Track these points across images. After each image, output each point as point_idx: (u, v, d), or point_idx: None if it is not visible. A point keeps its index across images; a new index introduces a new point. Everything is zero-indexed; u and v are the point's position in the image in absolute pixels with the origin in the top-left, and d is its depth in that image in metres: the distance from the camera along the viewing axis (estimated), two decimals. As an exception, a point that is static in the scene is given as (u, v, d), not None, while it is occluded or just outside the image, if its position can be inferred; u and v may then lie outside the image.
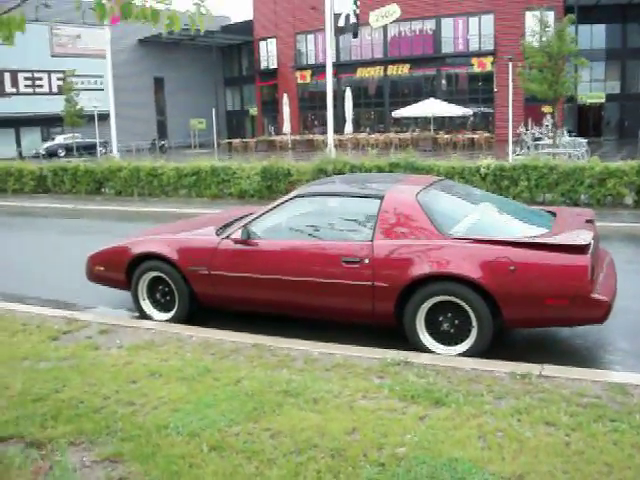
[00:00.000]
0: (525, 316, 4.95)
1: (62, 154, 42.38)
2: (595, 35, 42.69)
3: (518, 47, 41.49)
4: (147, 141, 49.43)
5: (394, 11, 23.68)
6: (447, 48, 46.22)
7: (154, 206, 15.36)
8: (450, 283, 4.95)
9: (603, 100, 43.43)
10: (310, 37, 51.69)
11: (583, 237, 4.91)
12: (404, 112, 39.35)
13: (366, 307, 5.25)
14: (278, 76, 54.08)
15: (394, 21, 29.43)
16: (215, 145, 40.98)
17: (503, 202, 6.50)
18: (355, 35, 16.54)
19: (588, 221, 5.71)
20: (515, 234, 5.20)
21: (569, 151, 17.85)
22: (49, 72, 48.24)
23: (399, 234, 5.17)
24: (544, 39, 20.92)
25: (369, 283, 5.14)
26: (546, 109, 40.20)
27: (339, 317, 5.62)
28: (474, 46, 45.20)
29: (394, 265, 5.10)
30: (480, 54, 44.61)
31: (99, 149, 40.05)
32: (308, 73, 52.40)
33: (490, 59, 44.14)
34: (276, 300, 5.65)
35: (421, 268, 4.98)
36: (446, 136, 37.98)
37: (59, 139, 45.72)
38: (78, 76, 45.71)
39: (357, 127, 44.02)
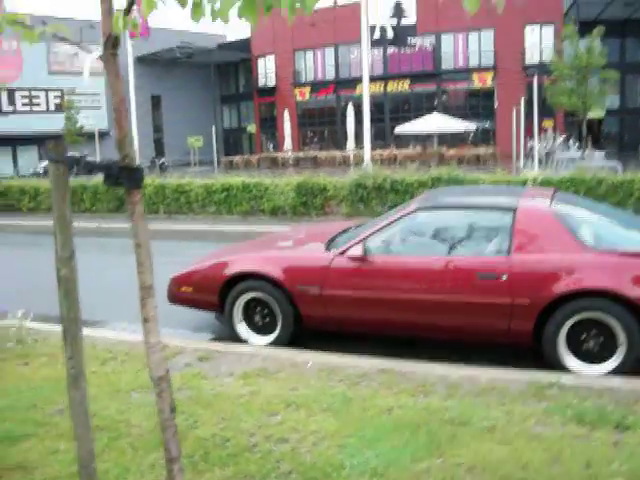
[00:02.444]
0: None
1: (61, 173, 41.61)
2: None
3: (519, 61, 42.09)
4: (145, 159, 48.87)
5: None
6: (447, 64, 46.28)
7: (183, 224, 14.95)
8: (598, 299, 4.63)
9: (603, 114, 43.55)
10: (309, 54, 51.63)
11: None
12: (407, 127, 39.18)
13: (501, 326, 4.91)
14: (277, 93, 53.89)
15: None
16: (215, 162, 40.55)
17: (625, 214, 6.22)
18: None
19: None
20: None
21: (607, 164, 17.56)
22: (46, 90, 47.72)
23: (538, 248, 4.85)
24: (571, 53, 20.81)
25: (507, 300, 4.80)
26: (547, 123, 40.37)
27: (469, 337, 5.26)
28: (474, 62, 45.30)
29: (536, 281, 4.77)
30: (480, 69, 44.70)
31: (100, 168, 39.55)
32: (307, 90, 52.26)
33: (490, 74, 44.25)
34: (399, 321, 5.27)
35: (567, 284, 4.65)
36: (451, 152, 37.83)
37: (57, 158, 45.00)
38: (76, 94, 45.46)
39: (358, 143, 43.71)
